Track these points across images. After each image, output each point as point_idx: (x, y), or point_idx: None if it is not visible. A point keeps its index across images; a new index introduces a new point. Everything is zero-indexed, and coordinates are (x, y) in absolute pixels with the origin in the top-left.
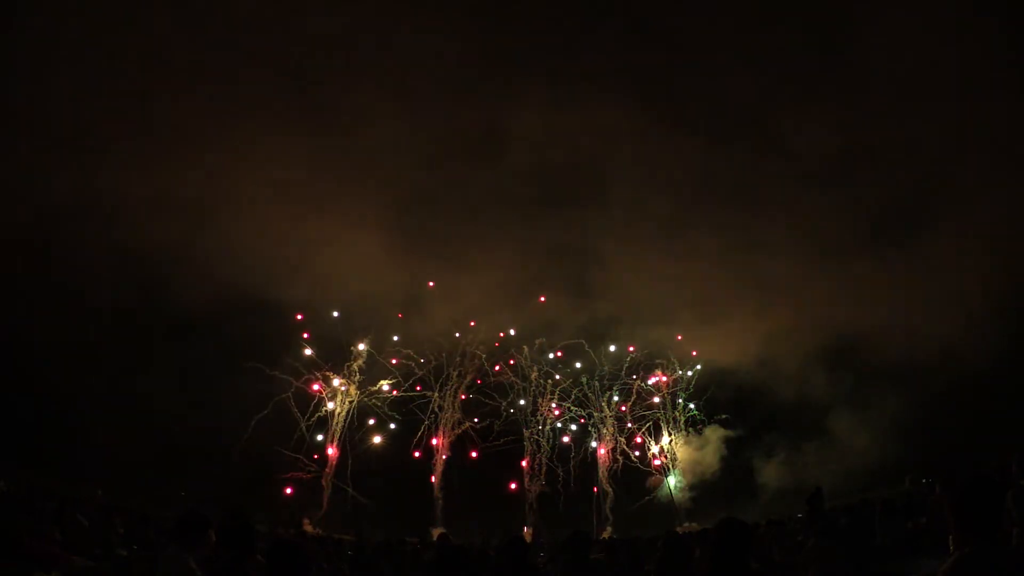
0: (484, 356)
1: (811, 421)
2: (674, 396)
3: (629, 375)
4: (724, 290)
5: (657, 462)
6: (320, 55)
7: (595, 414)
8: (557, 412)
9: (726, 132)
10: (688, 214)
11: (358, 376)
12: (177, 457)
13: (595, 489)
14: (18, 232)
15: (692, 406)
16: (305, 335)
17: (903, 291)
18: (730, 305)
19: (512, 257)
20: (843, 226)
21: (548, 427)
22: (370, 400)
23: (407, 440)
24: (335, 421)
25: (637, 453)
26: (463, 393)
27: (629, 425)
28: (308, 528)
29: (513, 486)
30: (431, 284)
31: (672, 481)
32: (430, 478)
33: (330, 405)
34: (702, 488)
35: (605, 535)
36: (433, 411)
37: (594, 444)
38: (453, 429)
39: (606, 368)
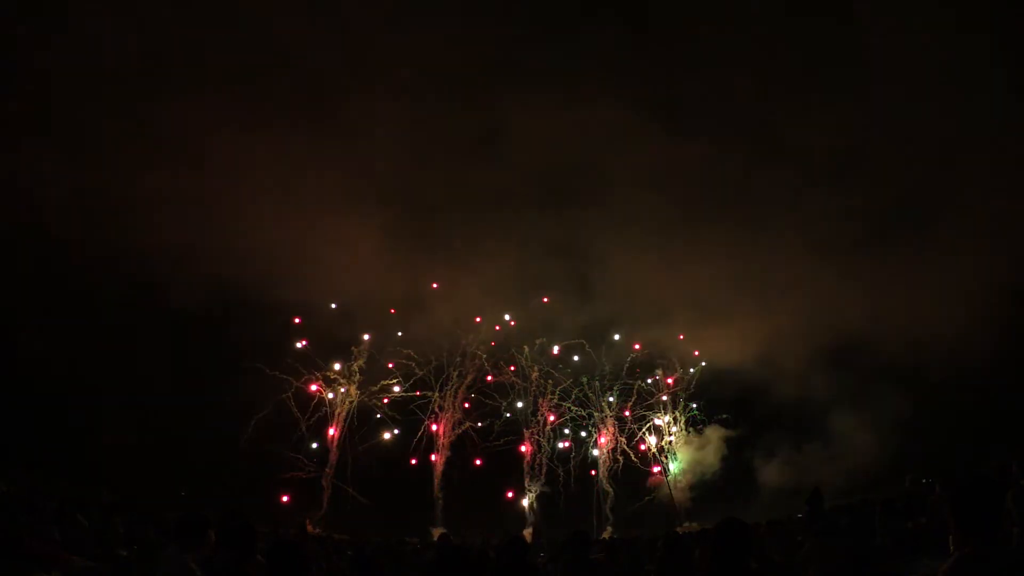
0: (484, 356)
1: (811, 421)
2: (674, 395)
3: (631, 374)
4: (724, 290)
5: (657, 469)
6: (320, 55)
7: (595, 414)
8: (552, 419)
9: (726, 132)
10: (688, 214)
11: (358, 376)
12: (177, 457)
13: (595, 484)
14: (17, 232)
15: (695, 406)
16: (304, 342)
17: (903, 291)
18: (730, 305)
19: (512, 257)
20: (843, 226)
21: (549, 428)
22: (370, 400)
23: (407, 440)
24: (335, 420)
25: (642, 448)
26: (464, 394)
27: (630, 425)
28: (308, 528)
29: (510, 495)
30: (435, 286)
31: (672, 467)
32: (431, 478)
33: (330, 395)
34: (702, 488)
35: (605, 535)
36: (433, 411)
37: (595, 453)
38: (454, 429)
39: (607, 368)
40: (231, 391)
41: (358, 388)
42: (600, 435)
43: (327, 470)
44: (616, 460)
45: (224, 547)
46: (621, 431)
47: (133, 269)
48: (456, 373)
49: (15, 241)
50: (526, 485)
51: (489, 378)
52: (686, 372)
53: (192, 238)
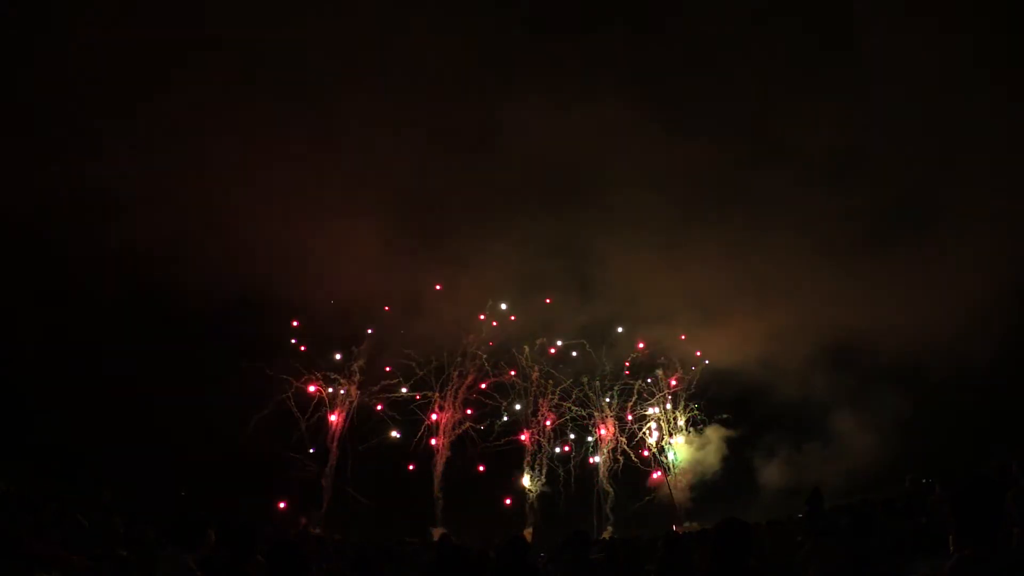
0: (485, 356)
1: (812, 421)
2: (675, 395)
3: (632, 374)
4: (725, 289)
5: (657, 474)
6: (321, 55)
7: (596, 414)
8: (548, 423)
9: (726, 132)
10: (688, 213)
11: (358, 376)
12: (177, 457)
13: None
14: (16, 231)
15: (696, 406)
16: (303, 347)
17: (904, 291)
18: (731, 304)
19: (512, 257)
20: (844, 226)
21: (549, 428)
22: (371, 400)
23: (408, 440)
24: (336, 420)
25: (646, 450)
26: (464, 394)
27: (630, 425)
28: (308, 528)
29: (508, 502)
30: (438, 287)
31: (671, 456)
32: (430, 478)
33: (331, 390)
34: (702, 488)
35: (605, 535)
36: (434, 411)
37: (595, 460)
38: (454, 429)
39: (608, 367)
40: (231, 391)
41: (358, 388)
42: (600, 428)
43: (327, 470)
44: (616, 460)
45: (224, 547)
46: (621, 431)
47: (133, 269)
48: (456, 373)
49: (14, 240)
50: (526, 485)
51: (483, 385)
52: (687, 371)
53: (192, 238)
